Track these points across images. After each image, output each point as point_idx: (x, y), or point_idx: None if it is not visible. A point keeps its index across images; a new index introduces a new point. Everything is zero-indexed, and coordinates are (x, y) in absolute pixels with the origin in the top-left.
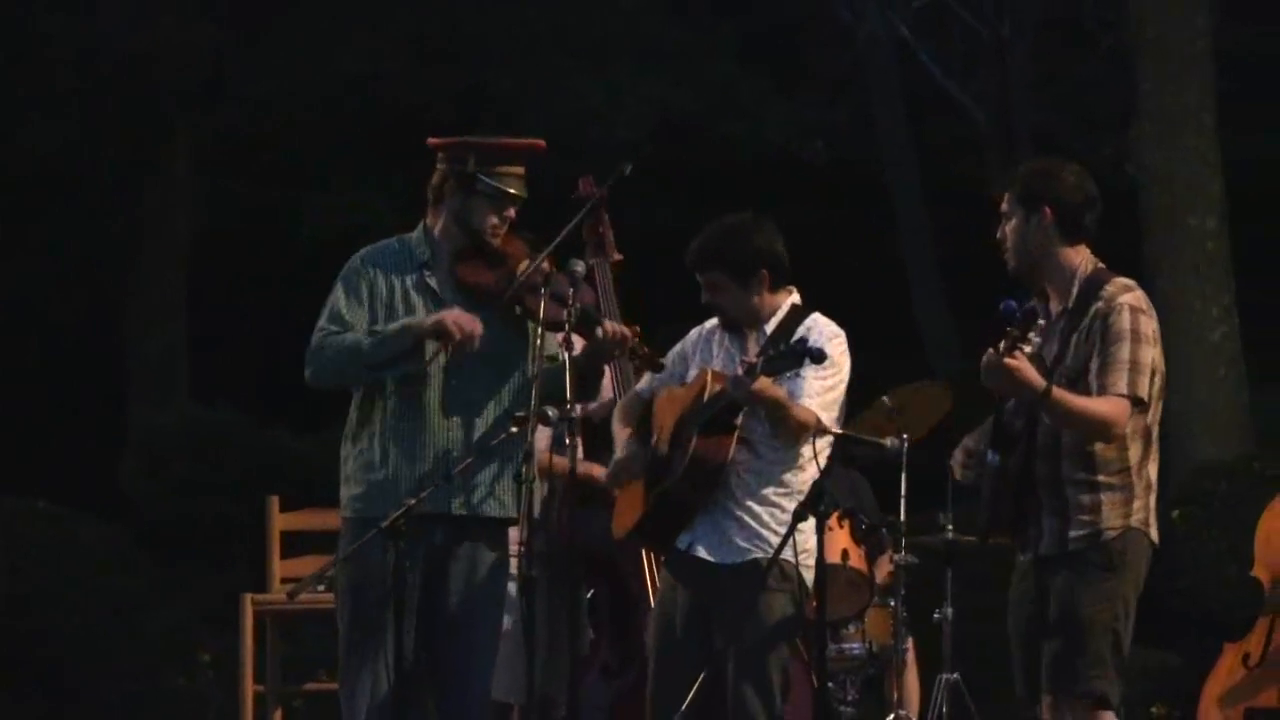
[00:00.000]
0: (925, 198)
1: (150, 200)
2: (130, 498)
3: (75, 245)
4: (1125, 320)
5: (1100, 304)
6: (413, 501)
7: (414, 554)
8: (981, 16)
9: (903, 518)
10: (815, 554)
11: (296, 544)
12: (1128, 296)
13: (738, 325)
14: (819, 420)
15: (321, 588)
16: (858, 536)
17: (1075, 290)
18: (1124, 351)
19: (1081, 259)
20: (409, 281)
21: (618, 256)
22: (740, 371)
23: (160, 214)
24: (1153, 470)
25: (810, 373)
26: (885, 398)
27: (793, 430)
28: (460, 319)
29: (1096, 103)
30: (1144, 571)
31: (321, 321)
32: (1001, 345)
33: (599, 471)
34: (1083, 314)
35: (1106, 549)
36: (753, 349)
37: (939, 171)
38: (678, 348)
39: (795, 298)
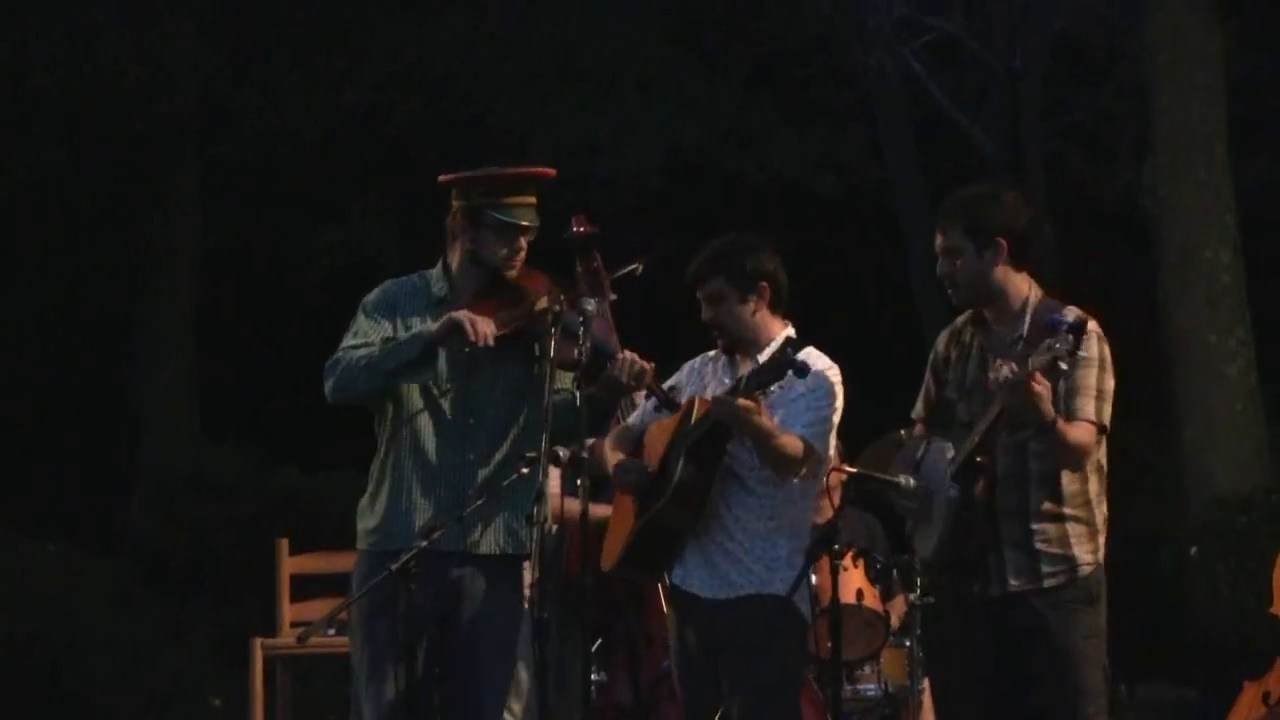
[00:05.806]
0: (935, 228)
1: (157, 236)
2: (138, 536)
3: (82, 282)
4: (1093, 348)
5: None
6: (424, 543)
7: (428, 589)
8: (992, 47)
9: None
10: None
11: (306, 587)
12: (1092, 324)
13: (734, 349)
14: (811, 449)
15: (332, 631)
16: (872, 576)
17: (1029, 318)
18: (1091, 378)
19: (1028, 285)
20: (429, 319)
21: (613, 296)
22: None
23: (167, 249)
24: (1105, 506)
25: (802, 402)
26: (902, 432)
27: (780, 459)
28: (472, 315)
29: (1108, 133)
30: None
31: (344, 342)
32: (1042, 360)
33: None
34: (1041, 340)
35: (1085, 584)
36: None
37: None
38: (671, 381)
39: (790, 331)
